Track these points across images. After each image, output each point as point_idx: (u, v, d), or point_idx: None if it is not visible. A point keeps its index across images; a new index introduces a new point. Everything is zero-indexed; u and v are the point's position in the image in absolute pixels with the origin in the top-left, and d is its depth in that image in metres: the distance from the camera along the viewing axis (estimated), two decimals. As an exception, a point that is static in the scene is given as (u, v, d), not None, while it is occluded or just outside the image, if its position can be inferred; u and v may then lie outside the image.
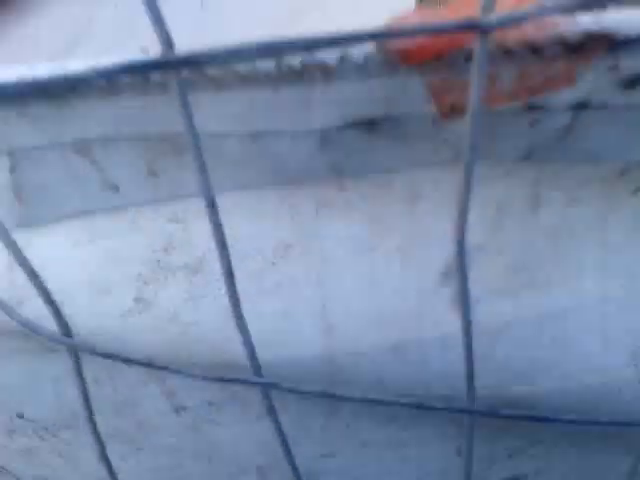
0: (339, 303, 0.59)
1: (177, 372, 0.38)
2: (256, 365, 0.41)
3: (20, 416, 0.74)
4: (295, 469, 0.54)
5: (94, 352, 0.39)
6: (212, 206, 0.36)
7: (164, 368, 0.38)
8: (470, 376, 0.40)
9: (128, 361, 0.40)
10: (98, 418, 0.53)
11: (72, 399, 0.68)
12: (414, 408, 0.39)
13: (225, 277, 0.37)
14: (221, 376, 0.38)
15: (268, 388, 0.42)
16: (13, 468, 0.85)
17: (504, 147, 0.53)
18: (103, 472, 0.57)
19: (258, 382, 0.40)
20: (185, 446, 0.76)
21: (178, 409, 0.70)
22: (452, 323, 0.59)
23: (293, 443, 0.52)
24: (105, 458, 0.53)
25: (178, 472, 0.81)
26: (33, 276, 0.43)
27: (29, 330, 0.47)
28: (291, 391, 0.39)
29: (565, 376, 0.63)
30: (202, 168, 0.34)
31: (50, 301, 0.42)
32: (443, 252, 0.58)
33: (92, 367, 0.66)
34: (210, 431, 0.74)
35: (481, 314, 0.59)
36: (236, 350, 0.49)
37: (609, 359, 0.63)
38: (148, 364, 0.39)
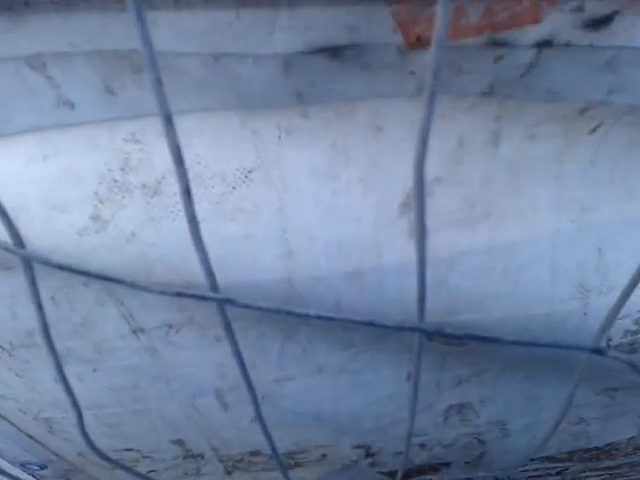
0: (299, 229, 0.60)
1: (132, 286, 0.38)
2: (213, 282, 0.41)
3: (-26, 334, 0.74)
4: (252, 391, 0.56)
5: (47, 263, 0.38)
6: (169, 122, 0.36)
7: (119, 282, 0.38)
8: (422, 297, 0.41)
9: (82, 273, 0.39)
10: (55, 338, 0.54)
11: (28, 318, 0.68)
12: (366, 325, 0.40)
13: (182, 194, 0.37)
14: (177, 291, 0.39)
15: (224, 304, 0.43)
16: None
17: (467, 81, 0.53)
18: (60, 392, 0.57)
19: (214, 297, 0.41)
20: (143, 368, 0.77)
21: (136, 331, 0.71)
22: (409, 252, 0.61)
23: (251, 367, 0.54)
24: (62, 376, 0.54)
25: (135, 393, 0.83)
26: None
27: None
28: (247, 307, 0.39)
29: (513, 306, 0.66)
30: (158, 82, 0.33)
31: (2, 212, 0.41)
32: (403, 183, 0.59)
33: (48, 285, 0.66)
34: (168, 354, 0.75)
35: (437, 244, 0.61)
36: (195, 271, 0.49)
37: (557, 291, 0.66)
38: (103, 277, 0.39)
